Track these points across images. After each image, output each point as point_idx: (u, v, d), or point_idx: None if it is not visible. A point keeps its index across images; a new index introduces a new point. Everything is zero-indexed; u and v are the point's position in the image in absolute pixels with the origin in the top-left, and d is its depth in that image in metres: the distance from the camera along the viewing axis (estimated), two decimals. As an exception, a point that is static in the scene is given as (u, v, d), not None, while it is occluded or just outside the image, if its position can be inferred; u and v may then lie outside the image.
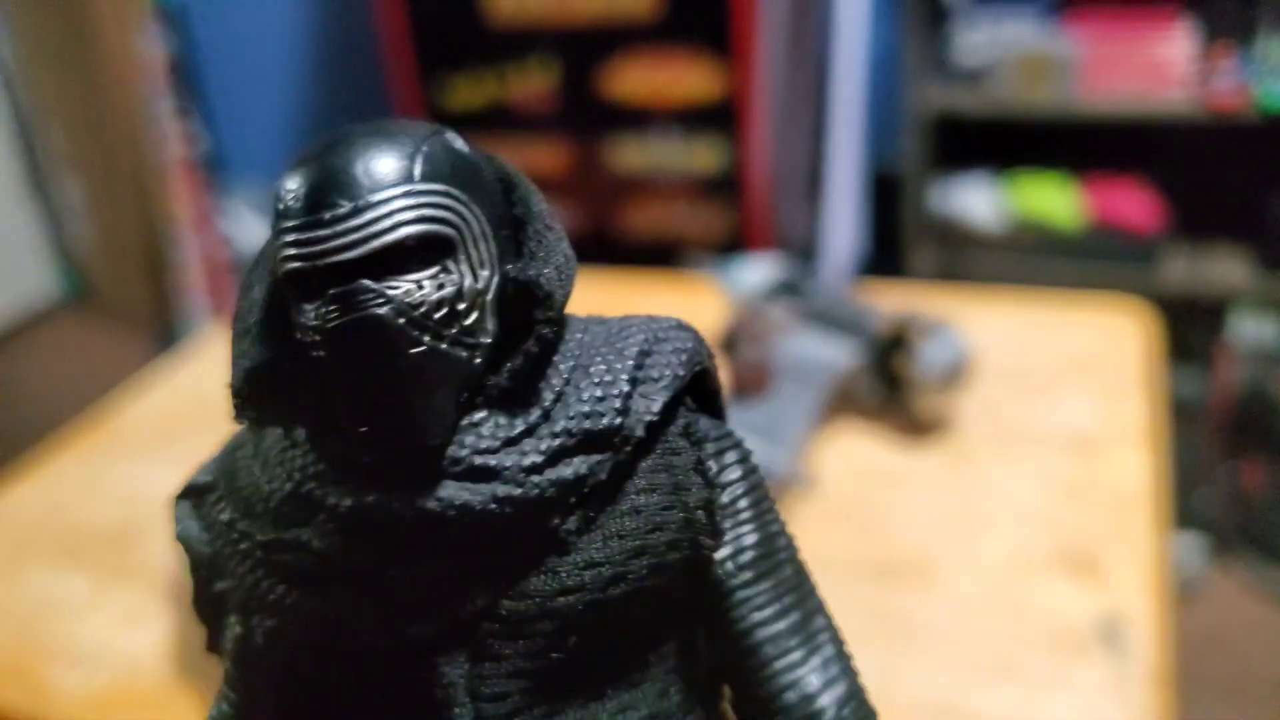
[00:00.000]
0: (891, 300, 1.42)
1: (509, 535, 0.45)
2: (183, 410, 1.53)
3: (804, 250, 2.85)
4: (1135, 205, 2.70)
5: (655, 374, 0.48)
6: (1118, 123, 2.60)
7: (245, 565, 0.48)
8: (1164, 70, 2.55)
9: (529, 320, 0.46)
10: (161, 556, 1.21)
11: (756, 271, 1.38)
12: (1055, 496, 1.19)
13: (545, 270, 0.46)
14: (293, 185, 0.43)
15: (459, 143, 0.46)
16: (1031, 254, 2.77)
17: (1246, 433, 2.61)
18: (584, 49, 2.76)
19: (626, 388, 0.47)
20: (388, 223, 0.42)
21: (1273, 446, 2.57)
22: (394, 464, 0.44)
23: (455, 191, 0.44)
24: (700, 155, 2.78)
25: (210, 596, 0.53)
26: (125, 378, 1.76)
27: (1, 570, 1.24)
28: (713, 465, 0.50)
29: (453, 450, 0.44)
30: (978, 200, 2.80)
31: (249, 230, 3.48)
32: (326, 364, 0.43)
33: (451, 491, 0.44)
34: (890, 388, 1.26)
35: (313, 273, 0.42)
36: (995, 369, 1.37)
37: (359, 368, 0.42)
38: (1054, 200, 2.75)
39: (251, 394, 0.46)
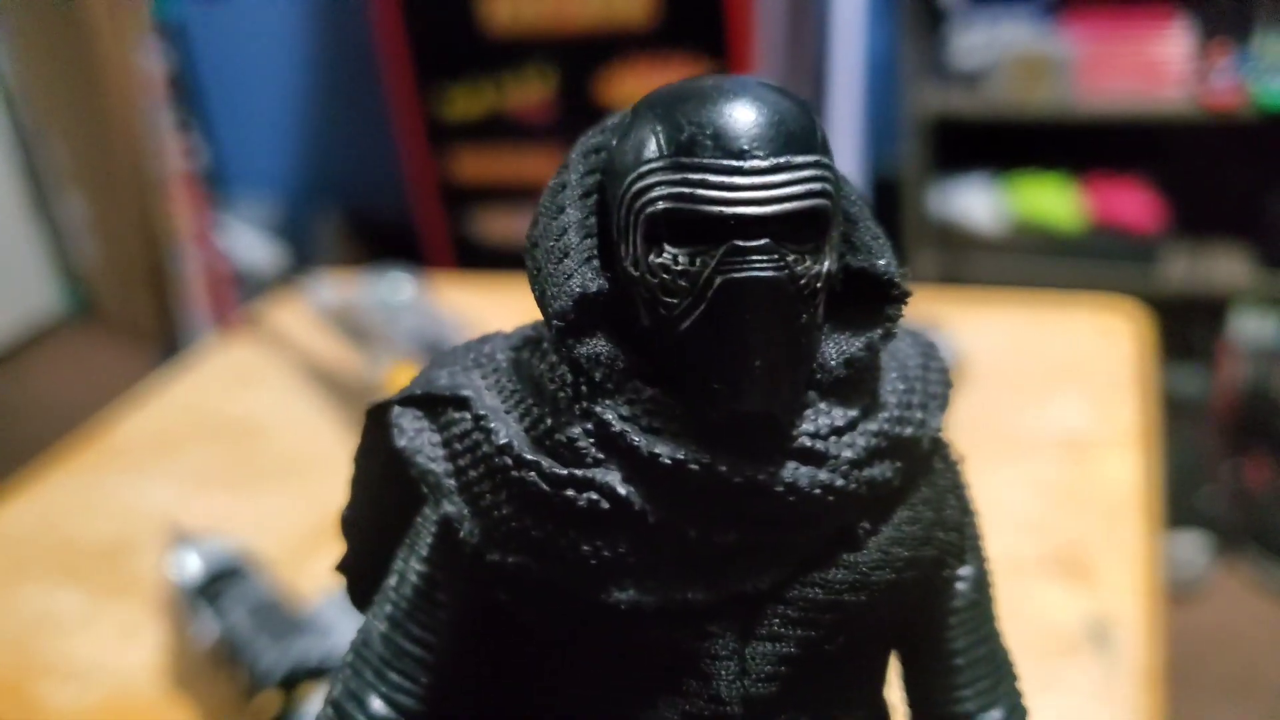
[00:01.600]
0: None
1: (813, 521, 0.44)
2: (177, 425, 1.53)
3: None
4: (1135, 205, 2.69)
5: (934, 390, 0.49)
6: (1116, 122, 2.60)
7: (502, 494, 0.45)
8: (1161, 69, 2.55)
9: (854, 311, 0.45)
10: (154, 572, 1.21)
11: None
12: (1047, 499, 1.18)
13: (892, 264, 0.46)
14: (695, 117, 0.41)
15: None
16: (1032, 255, 2.76)
17: (1249, 430, 2.60)
18: (581, 57, 2.77)
19: (924, 399, 0.48)
20: (800, 189, 0.41)
21: (1275, 444, 2.56)
22: (729, 428, 0.42)
23: (837, 172, 0.43)
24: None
25: (386, 515, 0.50)
26: (127, 391, 1.76)
27: (-2, 587, 1.24)
28: (962, 490, 0.52)
29: (788, 428, 0.44)
30: (977, 202, 2.80)
31: (248, 245, 3.48)
32: (689, 314, 0.41)
33: (782, 468, 0.43)
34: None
35: (697, 216, 0.40)
36: (987, 372, 1.36)
37: (740, 328, 0.41)
38: (1054, 201, 2.74)
39: (576, 321, 0.43)
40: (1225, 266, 2.69)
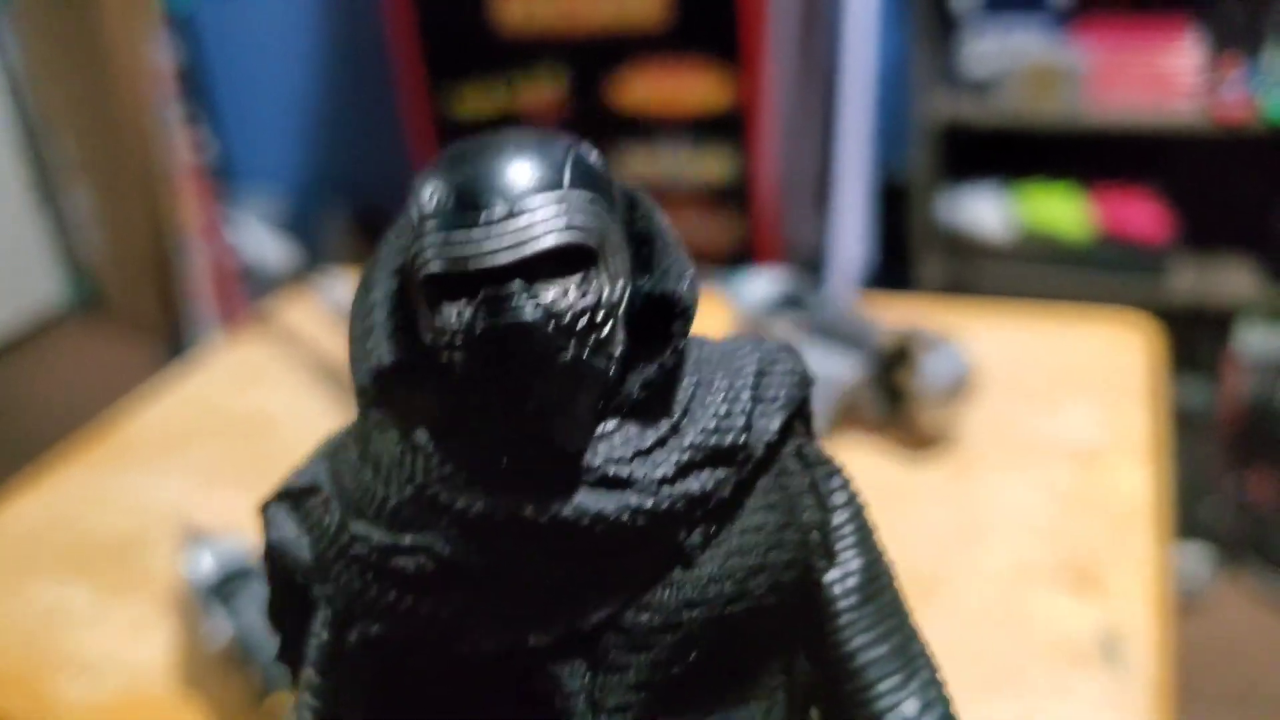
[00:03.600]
0: (895, 314, 1.42)
1: (635, 546, 0.45)
2: (189, 421, 1.53)
3: (812, 260, 2.85)
4: (1143, 216, 2.70)
5: (771, 394, 0.49)
6: (1125, 133, 2.60)
7: (353, 570, 0.47)
8: (1171, 81, 2.55)
9: (654, 334, 0.47)
10: (165, 568, 1.21)
11: (761, 285, 1.38)
12: (1057, 509, 1.19)
13: (682, 284, 0.46)
14: (439, 186, 0.43)
15: (594, 155, 0.46)
16: (1039, 264, 2.76)
17: (1253, 443, 2.61)
18: (593, 58, 2.77)
19: (749, 405, 0.48)
20: (542, 228, 0.42)
21: (1279, 457, 2.57)
22: (528, 470, 0.44)
23: (599, 201, 0.44)
24: (708, 165, 2.79)
25: (294, 604, 0.52)
26: (134, 386, 1.76)
27: (7, 581, 1.24)
28: (824, 488, 0.51)
29: (587, 458, 0.45)
30: (986, 210, 2.80)
31: (258, 240, 3.48)
32: (465, 367, 0.43)
33: (586, 499, 0.44)
34: (893, 401, 1.26)
35: (460, 274, 0.42)
36: (998, 382, 1.37)
37: (506, 373, 0.42)
38: (1062, 211, 2.75)
39: (377, 395, 0.46)
40: (1232, 279, 2.70)
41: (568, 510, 0.44)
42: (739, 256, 2.71)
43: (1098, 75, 2.59)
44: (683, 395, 0.47)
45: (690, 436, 0.46)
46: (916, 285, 2.82)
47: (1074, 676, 0.98)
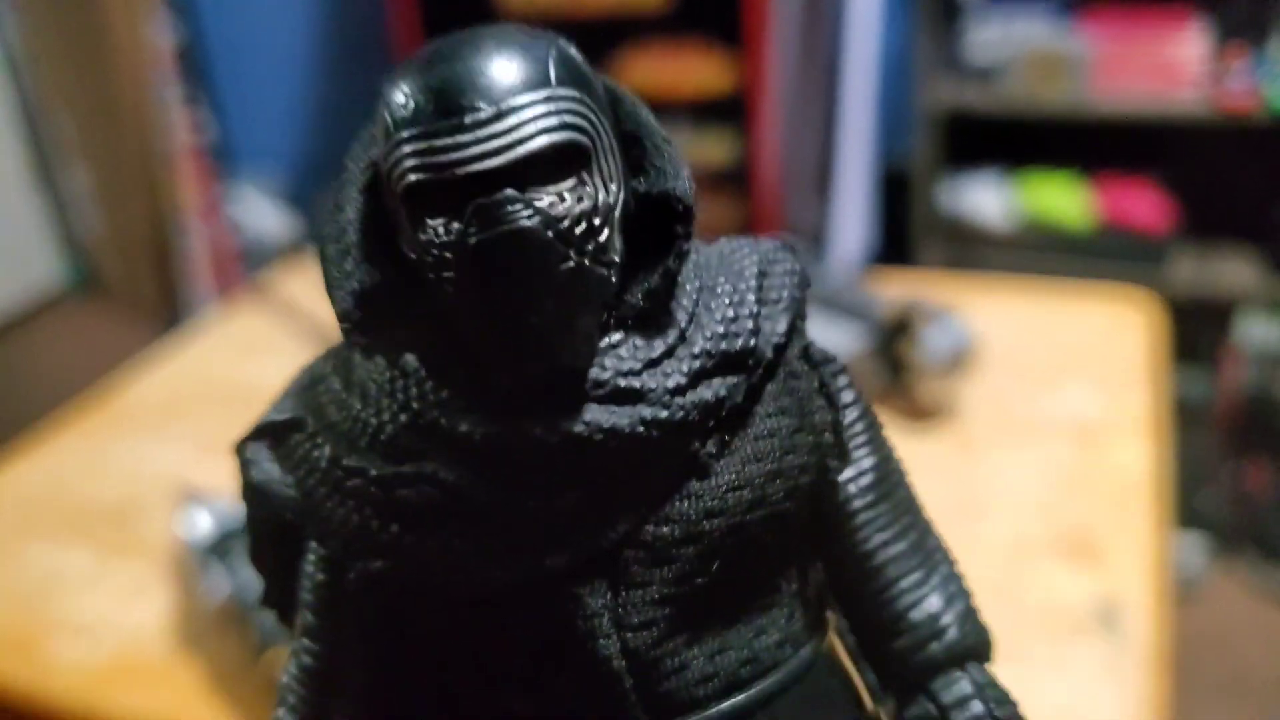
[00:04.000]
0: (897, 288, 1.42)
1: (649, 459, 0.43)
2: (186, 390, 1.53)
3: (813, 244, 2.85)
4: (1144, 205, 2.70)
5: (774, 295, 0.47)
6: (1128, 122, 2.60)
7: (348, 505, 0.44)
8: (1176, 70, 2.55)
9: (650, 239, 0.44)
10: (162, 532, 1.21)
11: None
12: (1057, 483, 1.19)
13: (679, 183, 0.43)
14: (415, 88, 0.40)
15: (574, 50, 0.43)
16: (1040, 252, 2.76)
17: (1250, 434, 2.61)
18: (594, 40, 2.73)
19: (755, 308, 0.46)
20: (532, 128, 0.39)
21: (1276, 448, 2.57)
22: (533, 388, 0.41)
23: (586, 99, 0.41)
24: (710, 148, 2.78)
25: (278, 546, 0.50)
26: (132, 362, 1.76)
27: (5, 545, 1.24)
28: (832, 387, 0.49)
29: (594, 373, 0.42)
30: (987, 198, 2.80)
31: (258, 217, 3.48)
32: (457, 283, 0.40)
33: (597, 415, 0.41)
34: (894, 373, 1.26)
35: (443, 183, 0.39)
36: (999, 357, 1.37)
37: (505, 286, 0.39)
38: (1063, 199, 2.74)
39: (361, 319, 0.43)
40: (1232, 270, 2.70)
41: (579, 427, 0.41)
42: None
43: (1102, 64, 2.58)
44: (687, 301, 0.45)
45: (699, 344, 0.44)
46: (915, 270, 2.82)
47: (1072, 646, 0.98)
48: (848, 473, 0.49)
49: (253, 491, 0.49)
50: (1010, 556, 1.09)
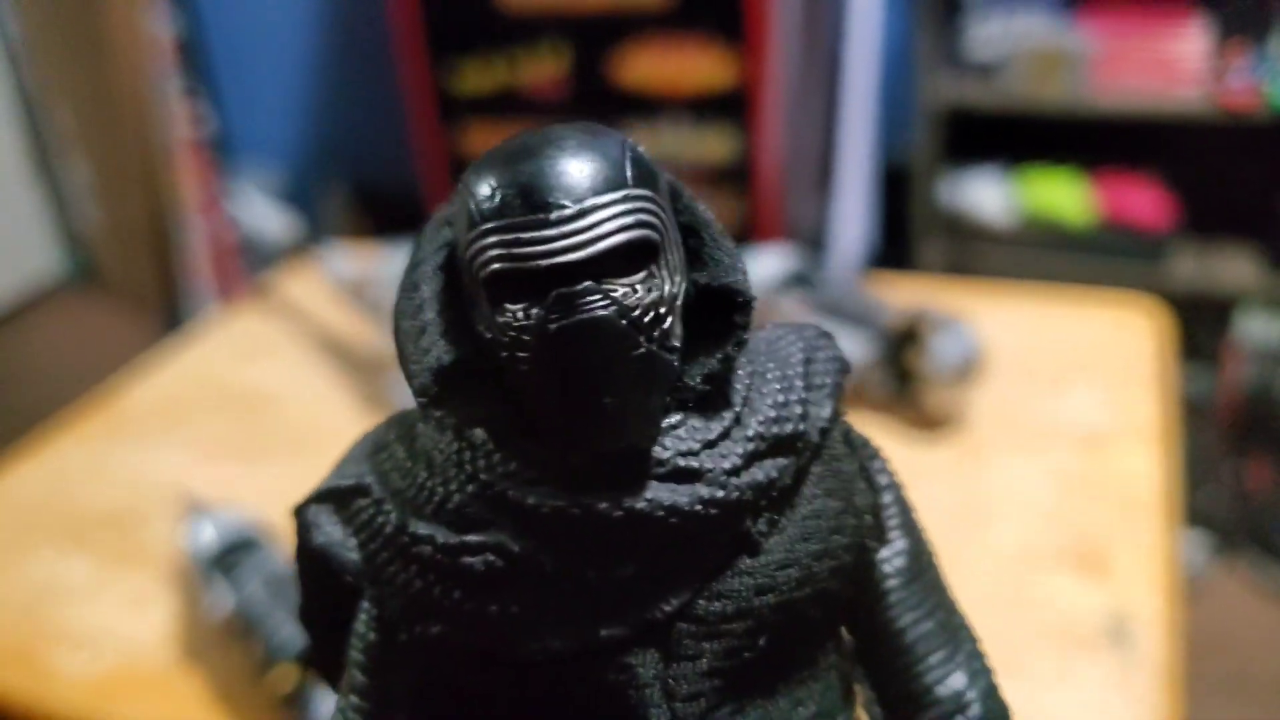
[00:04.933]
0: (903, 294, 1.41)
1: (704, 536, 0.45)
2: (187, 394, 1.52)
3: (813, 241, 2.84)
4: (1145, 202, 2.69)
5: (819, 381, 0.50)
6: (1129, 119, 2.59)
7: (411, 570, 0.46)
8: (1177, 67, 2.54)
9: (707, 326, 0.46)
10: (164, 541, 1.20)
11: (768, 262, 1.37)
12: (1065, 492, 1.18)
13: (738, 276, 0.46)
14: (500, 183, 0.42)
15: (643, 149, 0.46)
16: (1040, 249, 2.76)
17: (1252, 432, 2.61)
18: (595, 35, 2.75)
19: (804, 394, 0.48)
20: (611, 225, 0.42)
21: (1277, 446, 2.57)
22: (599, 465, 0.44)
23: (657, 198, 0.44)
24: (711, 144, 2.77)
25: (331, 608, 0.51)
26: (130, 359, 1.75)
27: (4, 553, 1.24)
28: (871, 470, 0.52)
29: (656, 452, 0.45)
30: (987, 194, 2.79)
31: (258, 213, 3.46)
32: (536, 365, 0.42)
33: (659, 493, 0.44)
34: (901, 382, 1.26)
35: (525, 272, 0.42)
36: (1006, 364, 1.36)
37: (581, 370, 0.42)
38: (1064, 196, 2.74)
39: (438, 394, 0.45)
40: (1233, 267, 2.69)
41: (641, 504, 0.44)
42: (740, 237, 2.68)
43: (1103, 60, 2.58)
44: (740, 386, 0.47)
45: (752, 427, 0.46)
46: (917, 268, 2.82)
47: (1081, 660, 0.98)
48: (884, 552, 0.52)
49: (313, 554, 0.51)
50: (1018, 566, 1.08)
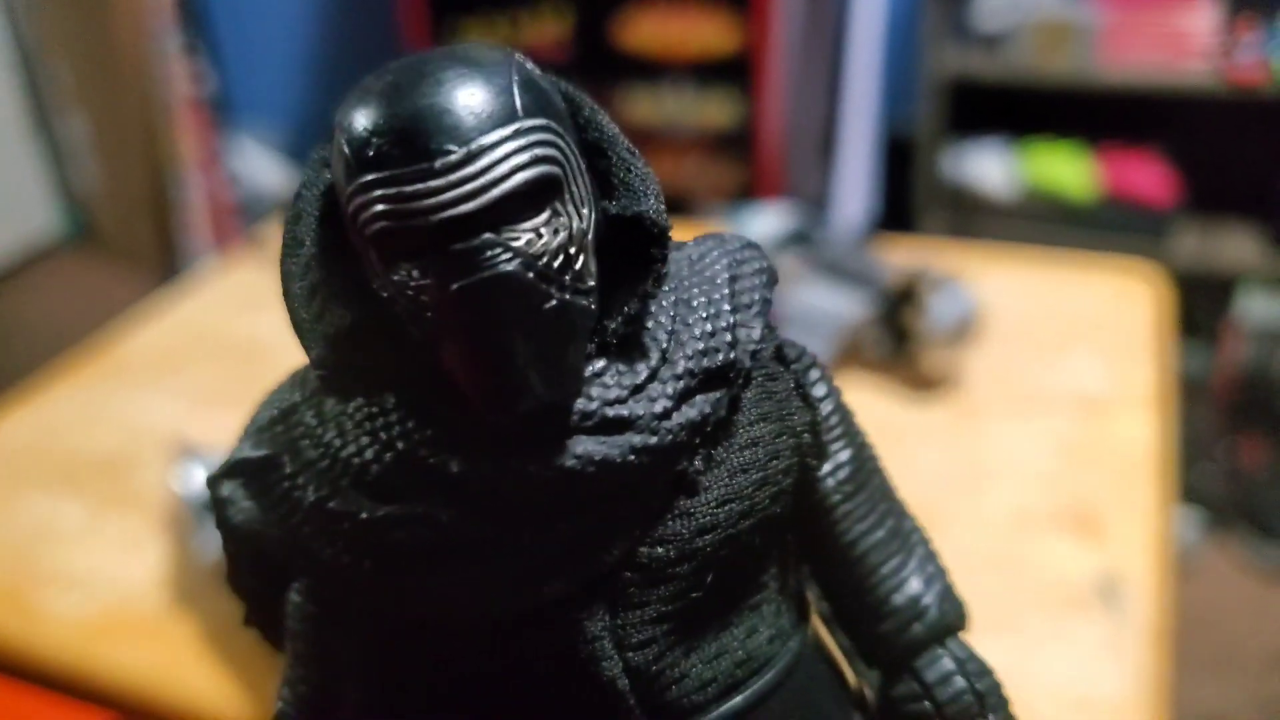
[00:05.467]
0: (902, 255, 1.41)
1: (640, 483, 0.43)
2: (182, 343, 1.52)
3: (815, 209, 2.84)
4: (1148, 178, 2.68)
5: (746, 300, 0.47)
6: (1135, 93, 2.58)
7: (338, 546, 0.43)
8: (1185, 42, 2.53)
9: (623, 257, 0.43)
10: (157, 485, 1.20)
11: (768, 220, 1.37)
12: (1060, 455, 1.18)
13: (650, 203, 0.42)
14: (377, 124, 0.38)
15: (531, 65, 0.41)
16: (1042, 222, 2.75)
17: (1248, 410, 2.61)
18: (599, 1, 2.74)
19: (731, 319, 0.45)
20: (504, 167, 0.38)
21: (1273, 425, 2.57)
22: (523, 424, 0.40)
23: (554, 124, 0.40)
24: (713, 109, 2.76)
25: (258, 571, 0.49)
26: (126, 315, 1.75)
27: (-2, 495, 1.23)
28: (807, 385, 0.49)
29: (581, 403, 0.41)
30: (990, 166, 2.78)
31: (259, 168, 3.45)
32: (439, 326, 0.39)
33: (589, 447, 0.41)
34: (898, 341, 1.25)
35: (414, 230, 0.38)
36: (1004, 328, 1.36)
37: (488, 331, 0.38)
38: (1067, 169, 2.73)
39: (337, 363, 0.42)
40: (1235, 244, 2.69)
41: (571, 461, 0.41)
42: (741, 204, 2.69)
43: (1111, 33, 2.56)
44: (665, 319, 0.44)
45: (681, 364, 0.43)
46: (918, 237, 2.81)
47: (1072, 620, 0.98)
48: (825, 467, 0.49)
49: (234, 533, 0.48)
50: (1012, 528, 1.08)
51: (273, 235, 1.78)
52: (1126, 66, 2.55)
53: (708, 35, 2.67)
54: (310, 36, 3.54)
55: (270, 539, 0.46)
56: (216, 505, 0.49)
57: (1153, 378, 1.29)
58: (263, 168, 3.45)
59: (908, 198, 2.85)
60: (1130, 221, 2.68)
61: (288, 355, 1.35)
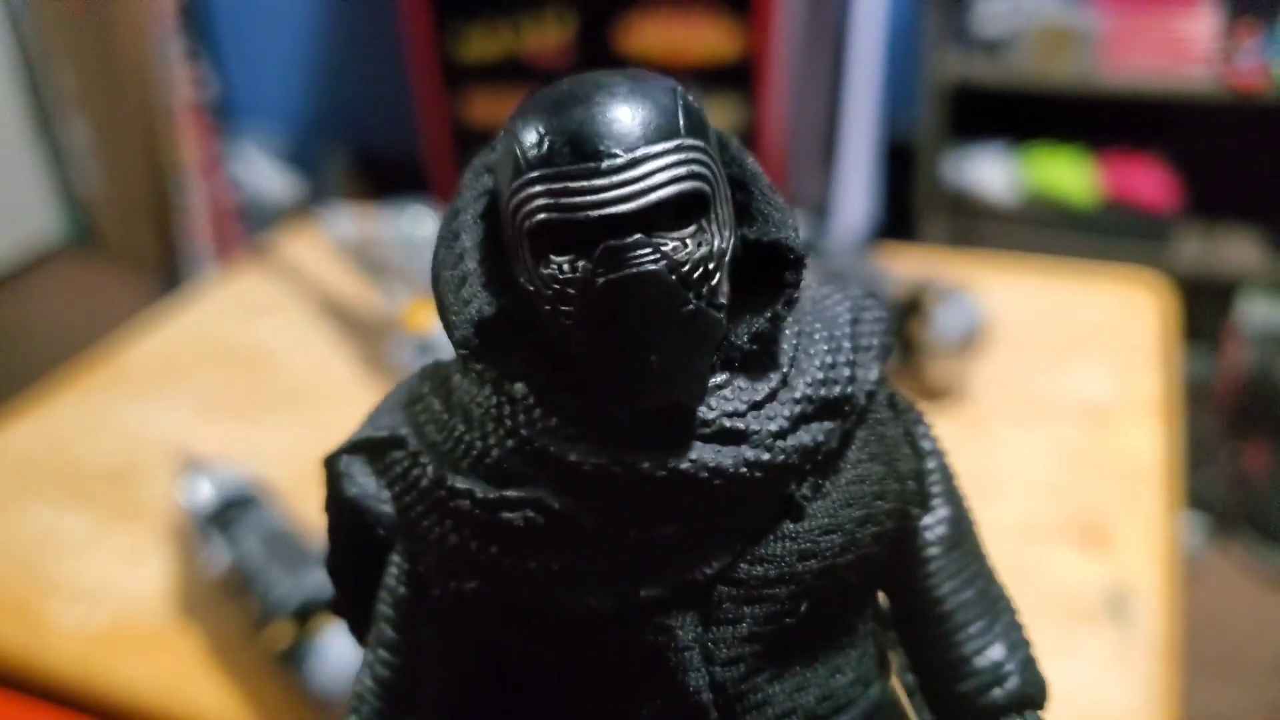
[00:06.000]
0: (908, 264, 1.41)
1: (748, 499, 0.44)
2: (185, 352, 1.51)
3: (817, 214, 2.84)
4: (1150, 183, 2.68)
5: (866, 342, 0.48)
6: (1136, 99, 2.58)
7: (447, 525, 0.45)
8: (1186, 47, 2.53)
9: (755, 283, 0.45)
10: (162, 496, 1.20)
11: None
12: (1066, 466, 1.18)
13: (789, 232, 0.44)
14: (548, 130, 0.41)
15: (692, 95, 0.44)
16: (1044, 228, 2.75)
17: (1250, 415, 2.60)
18: (601, 2, 2.74)
19: (851, 356, 0.47)
20: (663, 176, 0.40)
21: (1276, 429, 2.56)
22: (643, 423, 0.42)
23: (709, 148, 0.42)
24: (715, 115, 2.74)
25: (360, 560, 0.51)
26: (128, 321, 1.74)
27: (2, 506, 1.23)
28: (916, 435, 0.51)
29: (702, 412, 0.43)
30: (992, 172, 2.78)
31: (260, 173, 3.45)
32: (581, 319, 0.41)
33: (704, 453, 0.43)
34: (904, 352, 1.25)
35: (572, 224, 0.40)
36: (1010, 337, 1.36)
37: (627, 326, 0.40)
38: (1068, 175, 2.73)
39: (479, 347, 0.44)
40: (1237, 249, 2.69)
41: (685, 465, 0.42)
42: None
43: (1112, 38, 2.56)
44: (788, 346, 0.46)
45: (800, 389, 0.45)
46: (920, 244, 2.81)
47: (1081, 633, 0.97)
48: (926, 520, 0.50)
49: (345, 505, 0.50)
50: (1019, 539, 1.08)
51: (277, 244, 1.78)
52: (1127, 72, 2.55)
53: (710, 41, 2.67)
54: (312, 42, 3.54)
55: (380, 514, 0.49)
56: (330, 480, 0.51)
57: (1158, 387, 1.29)
58: (264, 173, 3.45)
59: (909, 203, 2.85)
60: (1132, 226, 2.68)
61: (292, 364, 1.36)
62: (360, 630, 0.54)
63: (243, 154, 3.47)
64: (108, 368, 1.48)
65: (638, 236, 0.40)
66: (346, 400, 1.35)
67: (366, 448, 0.50)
